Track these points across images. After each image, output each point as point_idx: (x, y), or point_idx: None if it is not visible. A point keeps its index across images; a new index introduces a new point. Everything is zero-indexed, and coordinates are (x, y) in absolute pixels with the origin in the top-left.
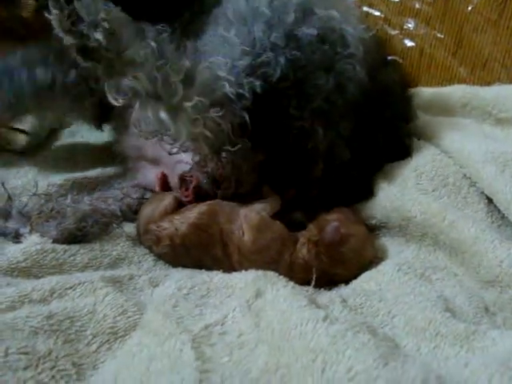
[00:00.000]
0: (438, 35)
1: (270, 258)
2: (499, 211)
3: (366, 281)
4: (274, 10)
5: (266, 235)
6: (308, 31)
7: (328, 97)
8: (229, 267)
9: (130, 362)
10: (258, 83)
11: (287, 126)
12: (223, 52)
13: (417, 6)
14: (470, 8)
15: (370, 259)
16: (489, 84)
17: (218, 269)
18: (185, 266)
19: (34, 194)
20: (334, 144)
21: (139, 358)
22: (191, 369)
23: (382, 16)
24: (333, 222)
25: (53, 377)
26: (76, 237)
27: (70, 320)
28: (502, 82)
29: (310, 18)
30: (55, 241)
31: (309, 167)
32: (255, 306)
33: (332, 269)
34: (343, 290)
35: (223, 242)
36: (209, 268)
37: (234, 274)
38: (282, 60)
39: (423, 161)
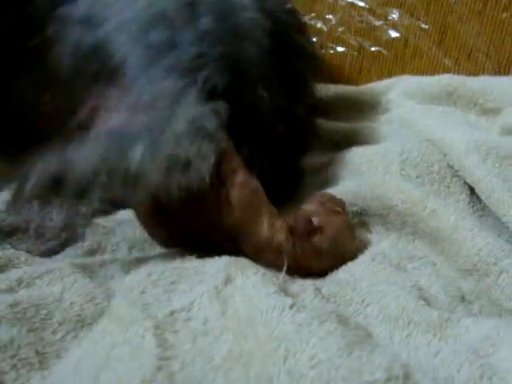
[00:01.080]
0: (423, 26)
1: None
2: (481, 201)
3: (340, 271)
4: None
5: None
6: None
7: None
8: None
9: (93, 349)
10: None
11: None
12: None
13: None
14: None
15: (350, 252)
16: (474, 74)
17: None
18: None
19: None
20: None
21: (101, 345)
22: (151, 355)
23: (367, 7)
24: (306, 210)
25: (14, 365)
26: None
27: (36, 308)
28: (486, 73)
29: None
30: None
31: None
32: (224, 293)
33: (306, 261)
34: (317, 280)
35: None
36: None
37: (207, 260)
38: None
39: (409, 146)
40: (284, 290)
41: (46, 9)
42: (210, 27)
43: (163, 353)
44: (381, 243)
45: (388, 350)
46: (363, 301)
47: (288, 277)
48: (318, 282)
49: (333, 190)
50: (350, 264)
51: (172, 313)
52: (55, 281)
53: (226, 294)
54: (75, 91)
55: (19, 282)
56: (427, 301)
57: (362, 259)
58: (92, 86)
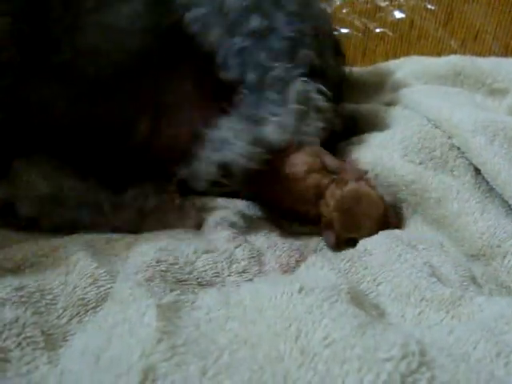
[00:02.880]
0: (429, 6)
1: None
2: (487, 183)
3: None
4: None
5: None
6: None
7: None
8: None
9: (96, 333)
10: None
11: None
12: None
13: None
14: None
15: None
16: (481, 56)
17: None
18: None
19: None
20: None
21: (103, 327)
22: (151, 329)
23: None
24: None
25: (19, 344)
26: None
27: (41, 293)
28: (493, 55)
29: None
30: None
31: None
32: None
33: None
34: (328, 253)
35: None
36: None
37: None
38: None
39: (410, 132)
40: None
41: None
42: (295, 9)
43: (165, 327)
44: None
45: (401, 328)
46: (375, 279)
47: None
48: (331, 255)
49: None
50: (363, 240)
51: (176, 301)
52: (60, 261)
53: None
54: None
55: (24, 259)
56: (439, 279)
57: (376, 236)
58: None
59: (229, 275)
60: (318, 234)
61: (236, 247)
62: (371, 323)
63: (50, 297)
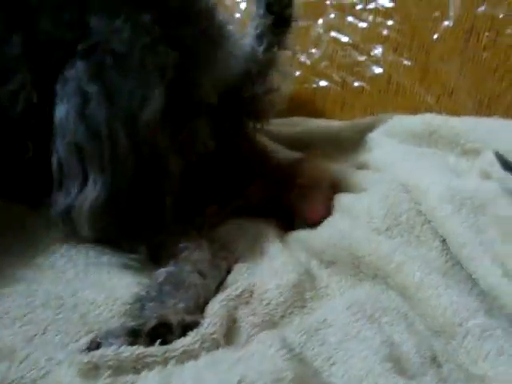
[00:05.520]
0: (406, 63)
1: None
2: None
3: (315, 314)
4: None
5: None
6: None
7: None
8: None
9: None
10: None
11: None
12: None
13: (384, 32)
14: (436, 36)
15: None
16: (455, 112)
17: None
18: None
19: None
20: None
21: None
22: None
23: (350, 42)
24: None
25: None
26: None
27: None
28: (468, 111)
29: None
30: None
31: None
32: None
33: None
34: (288, 326)
35: None
36: None
37: None
38: None
39: (377, 197)
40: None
41: None
42: None
43: None
44: (355, 290)
45: None
46: (330, 358)
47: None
48: (288, 329)
49: (307, 235)
50: (324, 308)
51: None
52: None
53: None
54: None
55: None
56: (397, 361)
57: (337, 305)
58: None
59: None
60: None
61: None
62: None
63: None
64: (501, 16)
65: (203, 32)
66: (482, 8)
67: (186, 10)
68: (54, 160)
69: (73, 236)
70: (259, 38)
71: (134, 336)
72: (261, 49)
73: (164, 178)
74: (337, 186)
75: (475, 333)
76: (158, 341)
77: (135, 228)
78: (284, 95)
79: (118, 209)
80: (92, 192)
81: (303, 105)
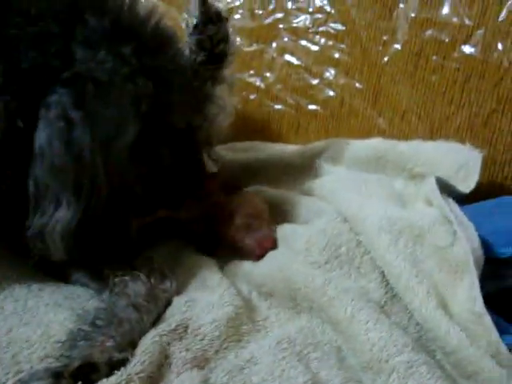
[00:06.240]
0: (357, 85)
1: None
2: None
3: (243, 349)
4: None
5: None
6: None
7: None
8: None
9: None
10: None
11: None
12: None
13: (336, 55)
14: (386, 59)
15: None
16: (407, 135)
17: None
18: None
19: None
20: None
21: None
22: None
23: (303, 65)
24: None
25: None
26: None
27: None
28: (419, 134)
29: None
30: None
31: None
32: None
33: None
34: (212, 362)
35: None
36: None
37: None
38: None
39: (315, 230)
40: None
41: None
42: None
43: None
44: (289, 324)
45: None
46: None
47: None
48: (212, 366)
49: (249, 267)
50: (253, 344)
51: None
52: None
53: None
54: None
55: None
56: None
57: (267, 341)
58: None
59: None
60: None
61: None
62: None
63: None
64: (447, 40)
65: (172, 60)
66: (430, 32)
67: (158, 40)
68: (31, 183)
69: (45, 257)
70: (194, 72)
71: (57, 378)
72: (196, 83)
73: (132, 205)
74: (277, 215)
75: (400, 370)
76: (80, 382)
77: (102, 252)
78: (221, 128)
79: (87, 232)
80: (65, 214)
81: (259, 128)
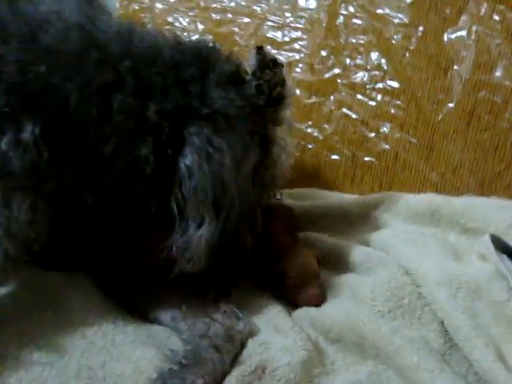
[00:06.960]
0: (412, 140)
1: None
2: None
3: None
4: None
5: None
6: None
7: None
8: None
9: None
10: None
11: None
12: None
13: (392, 111)
14: (440, 117)
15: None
16: (459, 190)
17: None
18: None
19: None
20: None
21: None
22: None
23: (360, 119)
24: None
25: None
26: None
27: None
28: (471, 188)
29: None
30: None
31: None
32: None
33: None
34: None
35: None
36: None
37: None
38: None
39: (380, 281)
40: None
41: None
42: None
43: None
44: (358, 369)
45: None
46: None
47: None
48: None
49: (315, 312)
50: None
51: None
52: None
53: None
54: None
55: None
56: None
57: (340, 383)
58: None
59: None
60: None
61: None
62: None
63: None
64: (499, 101)
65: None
66: (482, 93)
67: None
68: (173, 203)
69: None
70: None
71: None
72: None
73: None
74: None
75: None
76: None
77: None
78: (285, 167)
79: (219, 249)
80: (208, 230)
81: (315, 177)
